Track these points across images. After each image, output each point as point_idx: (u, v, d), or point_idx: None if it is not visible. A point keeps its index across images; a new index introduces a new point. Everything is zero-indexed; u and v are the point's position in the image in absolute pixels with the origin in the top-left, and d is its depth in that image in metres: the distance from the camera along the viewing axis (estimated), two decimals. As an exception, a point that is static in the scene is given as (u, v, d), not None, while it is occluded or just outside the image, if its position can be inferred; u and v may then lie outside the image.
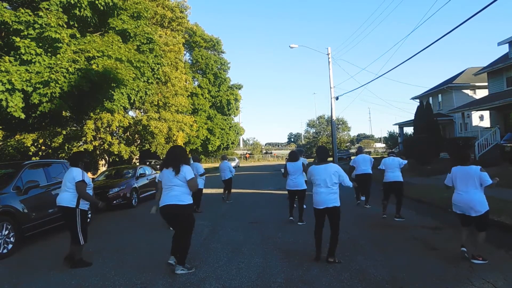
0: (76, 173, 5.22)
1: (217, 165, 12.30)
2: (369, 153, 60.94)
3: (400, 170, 7.78)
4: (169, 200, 4.68)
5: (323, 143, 66.55)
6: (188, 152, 32.33)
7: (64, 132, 20.17)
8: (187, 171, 4.70)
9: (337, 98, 25.64)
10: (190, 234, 4.84)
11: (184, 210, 4.70)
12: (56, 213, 6.74)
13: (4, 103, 8.87)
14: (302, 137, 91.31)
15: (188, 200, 4.76)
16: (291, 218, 7.74)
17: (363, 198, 10.47)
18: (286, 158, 8.71)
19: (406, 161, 7.89)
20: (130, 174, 12.81)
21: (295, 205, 7.95)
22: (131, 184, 11.88)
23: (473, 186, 4.72)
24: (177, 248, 4.76)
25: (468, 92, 26.96)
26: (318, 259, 4.90)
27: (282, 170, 8.28)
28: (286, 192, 8.26)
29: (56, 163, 8.78)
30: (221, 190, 11.92)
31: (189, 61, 43.33)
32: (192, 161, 10.19)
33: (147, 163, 24.22)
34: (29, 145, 19.45)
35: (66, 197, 5.18)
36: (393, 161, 7.78)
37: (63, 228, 5.48)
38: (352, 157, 13.65)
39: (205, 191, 14.51)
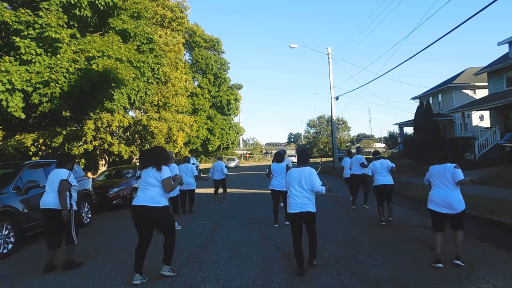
0: (63, 173, 5.19)
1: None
2: (369, 153, 60.96)
3: (390, 173, 7.56)
4: (144, 201, 4.40)
5: (323, 143, 66.55)
6: (188, 152, 32.33)
7: (64, 132, 20.13)
8: (164, 171, 4.52)
9: (337, 98, 25.64)
10: (173, 232, 4.65)
11: (158, 213, 4.42)
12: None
13: (4, 103, 8.88)
14: (302, 137, 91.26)
15: (163, 202, 4.50)
16: (277, 225, 7.53)
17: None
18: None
19: (394, 165, 7.66)
20: (130, 174, 12.81)
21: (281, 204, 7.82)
22: (131, 184, 11.88)
23: (448, 183, 4.73)
24: (142, 259, 4.41)
25: (468, 92, 26.95)
26: (302, 273, 4.41)
27: (267, 170, 8.15)
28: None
29: (56, 163, 8.77)
30: (220, 190, 11.80)
31: (189, 61, 43.32)
32: (187, 162, 10.10)
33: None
34: (29, 145, 19.40)
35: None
36: (382, 164, 7.56)
37: (51, 231, 5.23)
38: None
39: (204, 191, 14.56)
